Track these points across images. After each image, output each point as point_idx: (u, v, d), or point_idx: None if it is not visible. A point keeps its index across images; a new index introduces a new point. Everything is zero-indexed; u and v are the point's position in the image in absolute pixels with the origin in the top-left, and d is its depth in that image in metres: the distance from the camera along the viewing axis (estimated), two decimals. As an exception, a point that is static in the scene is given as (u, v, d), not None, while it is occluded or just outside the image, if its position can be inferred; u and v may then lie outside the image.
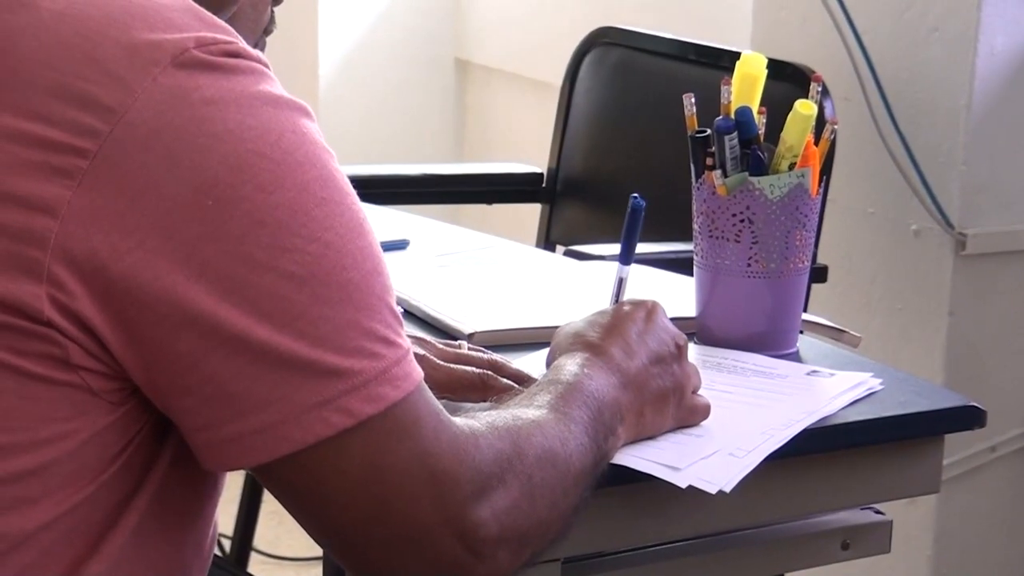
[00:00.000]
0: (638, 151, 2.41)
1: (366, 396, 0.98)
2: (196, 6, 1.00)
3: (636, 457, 1.20)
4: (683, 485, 1.18)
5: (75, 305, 0.95)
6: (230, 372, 0.97)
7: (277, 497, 1.03)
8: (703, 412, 1.26)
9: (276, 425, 0.97)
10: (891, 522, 1.40)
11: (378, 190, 2.34)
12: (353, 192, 1.01)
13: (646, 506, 1.24)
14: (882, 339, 2.39)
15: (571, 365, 1.19)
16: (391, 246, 1.76)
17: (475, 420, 1.06)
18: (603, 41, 2.49)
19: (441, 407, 1.04)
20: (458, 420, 1.05)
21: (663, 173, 2.30)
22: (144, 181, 0.95)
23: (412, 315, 1.53)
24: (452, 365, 1.28)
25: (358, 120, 3.48)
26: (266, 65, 1.00)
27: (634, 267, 1.39)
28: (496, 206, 2.71)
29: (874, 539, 1.40)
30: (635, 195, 1.35)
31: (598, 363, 1.19)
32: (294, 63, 3.46)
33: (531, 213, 2.54)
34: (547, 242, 2.49)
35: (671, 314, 1.30)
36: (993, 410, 1.41)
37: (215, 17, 1.00)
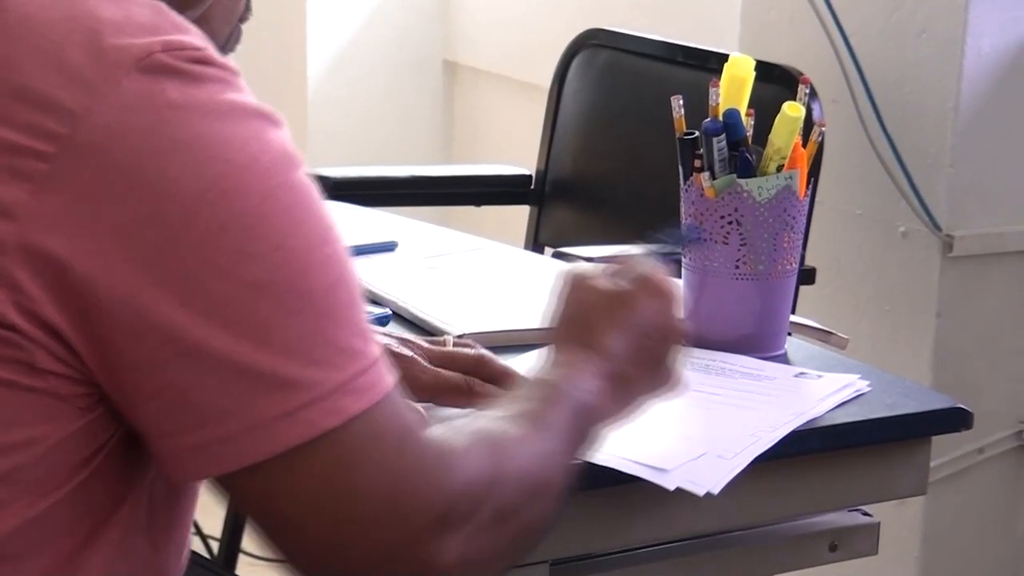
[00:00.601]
0: (626, 153, 2.41)
1: (327, 408, 0.95)
2: (165, 8, 0.98)
3: (625, 459, 1.20)
4: (671, 487, 1.18)
5: (37, 308, 0.94)
6: (190, 380, 0.95)
7: (239, 509, 1.00)
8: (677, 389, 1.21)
9: (236, 436, 0.95)
10: (879, 524, 1.41)
11: (367, 192, 2.33)
12: (320, 199, 0.99)
13: (634, 508, 1.24)
14: (870, 341, 2.39)
15: (569, 368, 1.14)
16: (379, 248, 1.75)
17: (457, 435, 1.02)
18: (591, 43, 2.49)
19: (414, 420, 1.00)
20: (437, 434, 1.01)
21: (651, 175, 2.30)
22: (105, 185, 0.93)
23: (400, 317, 1.53)
24: (439, 370, 1.27)
25: (347, 122, 3.48)
26: (235, 72, 0.98)
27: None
28: (485, 208, 2.70)
29: (862, 541, 1.40)
30: (693, 226, 1.31)
31: (598, 369, 1.15)
32: (283, 64, 3.46)
33: (520, 215, 2.54)
34: (536, 244, 2.49)
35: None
36: (980, 412, 1.41)
37: (184, 20, 0.98)
